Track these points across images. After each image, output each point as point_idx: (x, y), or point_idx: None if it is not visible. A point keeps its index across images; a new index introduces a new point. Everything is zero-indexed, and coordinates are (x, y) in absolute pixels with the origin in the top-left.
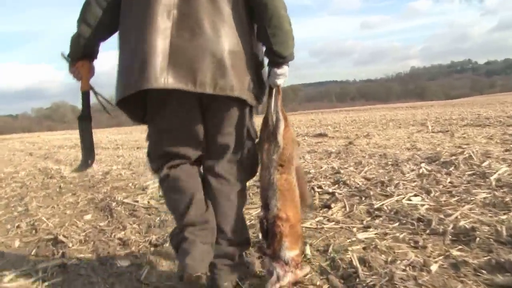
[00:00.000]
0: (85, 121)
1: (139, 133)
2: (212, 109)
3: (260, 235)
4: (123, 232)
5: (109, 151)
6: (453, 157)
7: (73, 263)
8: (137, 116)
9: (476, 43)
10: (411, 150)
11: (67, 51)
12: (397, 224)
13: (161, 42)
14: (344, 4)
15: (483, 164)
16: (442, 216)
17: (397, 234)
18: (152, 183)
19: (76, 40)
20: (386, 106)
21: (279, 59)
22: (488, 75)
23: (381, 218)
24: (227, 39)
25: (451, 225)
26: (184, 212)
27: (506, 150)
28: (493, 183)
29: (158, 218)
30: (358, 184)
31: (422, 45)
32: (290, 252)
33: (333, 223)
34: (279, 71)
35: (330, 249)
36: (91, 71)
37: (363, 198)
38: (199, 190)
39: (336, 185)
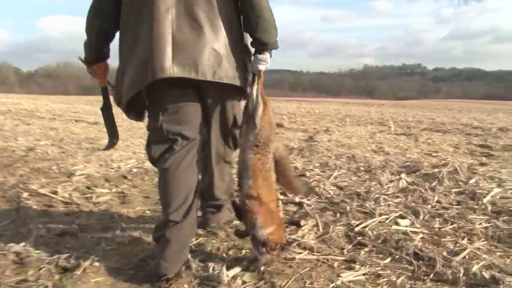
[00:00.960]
0: (107, 110)
1: (82, 104)
2: (210, 96)
3: (236, 216)
4: (23, 243)
5: (43, 122)
6: (436, 170)
7: None
8: (132, 112)
9: (427, 49)
10: (379, 153)
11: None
12: (389, 259)
13: (165, 39)
14: None
15: (470, 182)
16: (445, 253)
17: (393, 278)
18: (82, 168)
19: (87, 47)
20: (337, 100)
21: (261, 45)
22: (435, 81)
23: (366, 249)
24: (221, 33)
25: (462, 270)
26: (171, 208)
27: (482, 164)
28: (489, 207)
29: (77, 222)
30: (330, 193)
31: (377, 44)
32: (264, 230)
33: (306, 252)
34: (260, 56)
35: None
36: (106, 70)
37: (338, 215)
38: (193, 183)
39: None
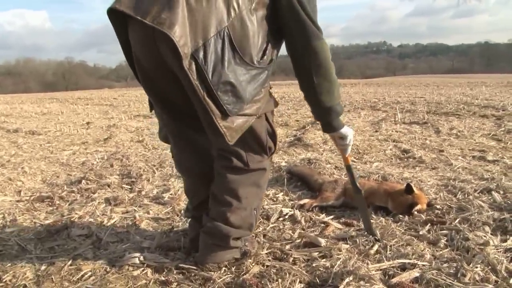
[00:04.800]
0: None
1: (29, 104)
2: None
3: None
4: None
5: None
6: None
7: None
8: None
9: (392, 26)
10: (407, 161)
11: None
12: None
13: None
14: None
15: None
16: None
17: None
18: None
19: None
20: None
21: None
22: (401, 57)
23: None
24: None
25: None
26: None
27: None
28: None
29: None
30: None
31: (343, 24)
32: None
33: None
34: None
35: None
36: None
37: None
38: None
39: None
